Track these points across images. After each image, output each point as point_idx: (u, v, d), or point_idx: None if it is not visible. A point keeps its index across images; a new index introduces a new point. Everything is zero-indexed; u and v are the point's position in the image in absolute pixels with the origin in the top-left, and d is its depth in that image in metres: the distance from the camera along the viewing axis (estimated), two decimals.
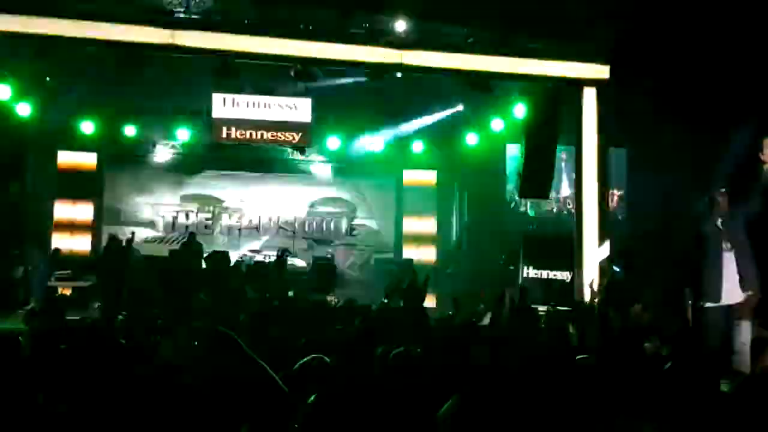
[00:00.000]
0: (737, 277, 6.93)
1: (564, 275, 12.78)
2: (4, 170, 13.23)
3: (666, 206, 12.84)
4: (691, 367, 4.50)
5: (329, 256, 15.73)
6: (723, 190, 7.15)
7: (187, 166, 16.14)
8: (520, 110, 13.07)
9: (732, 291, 6.95)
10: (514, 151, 14.43)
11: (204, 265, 13.65)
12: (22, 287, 12.63)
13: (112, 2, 11.11)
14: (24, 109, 12.43)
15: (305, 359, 3.50)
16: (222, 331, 2.79)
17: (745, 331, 6.89)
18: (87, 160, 15.30)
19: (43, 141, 14.55)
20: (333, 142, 15.30)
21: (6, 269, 12.48)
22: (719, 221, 7.03)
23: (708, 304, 7.10)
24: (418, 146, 15.89)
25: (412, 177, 16.71)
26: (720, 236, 7.03)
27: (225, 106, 14.10)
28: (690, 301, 7.72)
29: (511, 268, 13.65)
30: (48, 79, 13.18)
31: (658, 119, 12.76)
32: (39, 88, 13.16)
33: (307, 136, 14.49)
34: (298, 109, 14.24)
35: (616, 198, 14.90)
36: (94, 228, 15.54)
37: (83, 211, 15.34)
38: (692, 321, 7.49)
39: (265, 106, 14.27)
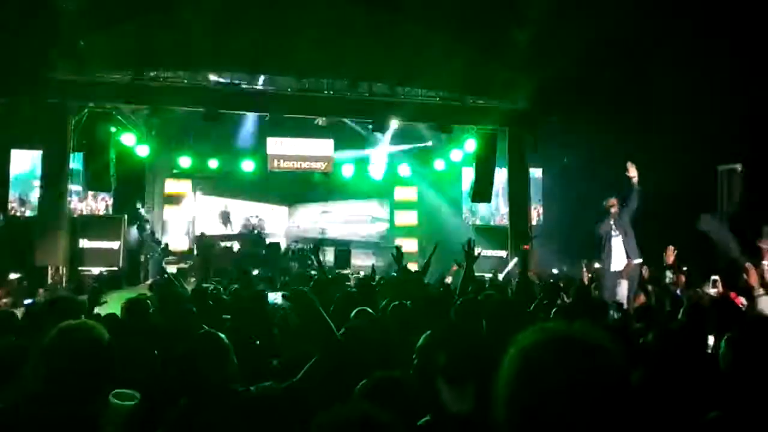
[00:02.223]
0: (622, 253, 7.17)
1: (502, 253, 12.87)
2: (130, 192, 13.21)
3: (569, 209, 12.87)
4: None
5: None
6: (612, 197, 7.37)
7: (248, 186, 16.06)
8: (470, 144, 13.16)
9: (618, 262, 7.19)
10: (467, 172, 14.42)
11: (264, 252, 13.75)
12: (143, 270, 12.65)
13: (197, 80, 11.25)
14: (142, 151, 12.48)
15: None
16: (302, 290, 2.72)
17: (623, 286, 7.09)
18: (183, 184, 15.31)
19: (155, 171, 14.52)
20: (346, 169, 15.30)
21: (134, 258, 12.51)
22: (611, 218, 7.29)
23: (601, 269, 7.38)
24: (405, 170, 15.87)
25: (401, 192, 16.67)
26: (612, 226, 7.27)
27: (275, 145, 14.11)
28: (585, 269, 7.99)
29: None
30: (153, 132, 13.21)
31: (565, 148, 12.91)
32: (151, 136, 13.16)
33: (330, 164, 14.53)
34: (324, 146, 14.26)
35: (537, 213, 14.51)
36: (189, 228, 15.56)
37: (181, 217, 15.37)
38: (586, 280, 7.74)
39: (301, 145, 14.30)
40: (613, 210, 7.26)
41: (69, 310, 2.98)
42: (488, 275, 10.21)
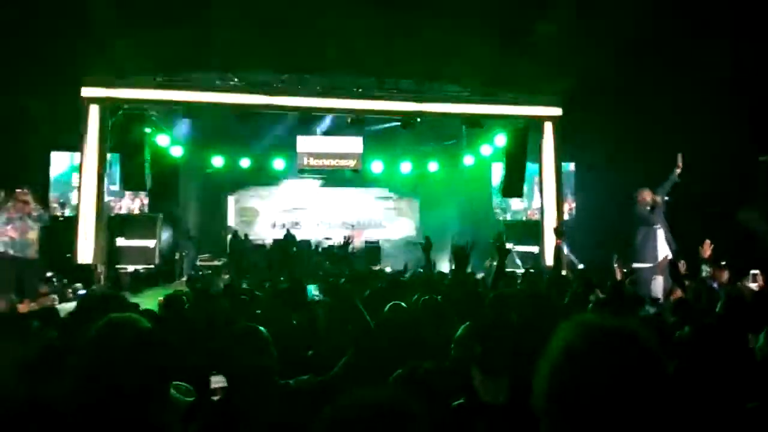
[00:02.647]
0: (665, 246, 7.06)
1: (534, 248, 12.75)
2: (166, 191, 13.46)
3: (601, 203, 12.67)
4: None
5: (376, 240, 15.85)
6: (648, 189, 7.26)
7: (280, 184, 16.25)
8: (500, 139, 13.07)
9: (660, 255, 7.10)
10: (497, 168, 14.30)
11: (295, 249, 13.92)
12: (179, 266, 12.91)
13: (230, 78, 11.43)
14: (176, 151, 12.70)
15: None
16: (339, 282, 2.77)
17: (659, 281, 6.97)
18: (217, 184, 15.56)
19: (189, 171, 14.77)
20: (376, 166, 15.33)
21: (169, 255, 12.78)
22: (648, 208, 7.17)
23: (637, 265, 7.24)
24: (434, 166, 15.82)
25: (430, 188, 16.57)
26: (655, 218, 7.17)
27: (305, 143, 14.24)
28: (616, 265, 7.86)
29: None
30: (189, 131, 13.45)
31: (597, 141, 12.72)
32: (184, 136, 13.43)
33: (359, 162, 14.60)
34: (353, 144, 14.32)
35: (569, 207, 14.25)
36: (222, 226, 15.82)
37: (214, 216, 15.62)
38: (620, 275, 7.61)
39: (331, 143, 14.39)
40: (657, 200, 7.14)
41: (116, 304, 3.11)
42: (520, 270, 10.14)
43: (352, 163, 14.53)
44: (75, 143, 11.47)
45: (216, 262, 13.19)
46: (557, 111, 12.21)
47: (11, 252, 6.38)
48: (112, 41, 10.25)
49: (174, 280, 11.68)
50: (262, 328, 2.38)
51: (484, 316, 3.47)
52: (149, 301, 5.85)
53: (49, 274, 8.36)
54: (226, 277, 12.14)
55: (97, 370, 1.92)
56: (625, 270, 7.90)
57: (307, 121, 12.50)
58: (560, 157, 12.62)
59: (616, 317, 1.18)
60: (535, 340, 1.17)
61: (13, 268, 6.33)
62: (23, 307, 5.42)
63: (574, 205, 14.44)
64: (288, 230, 15.07)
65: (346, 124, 13.02)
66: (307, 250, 14.31)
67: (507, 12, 9.91)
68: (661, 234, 7.14)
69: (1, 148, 10.37)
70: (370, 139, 14.32)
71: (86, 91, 10.84)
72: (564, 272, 9.37)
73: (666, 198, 7.22)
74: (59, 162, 12.60)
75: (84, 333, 2.24)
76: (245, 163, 14.86)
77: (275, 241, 14.77)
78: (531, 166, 12.81)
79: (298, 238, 14.89)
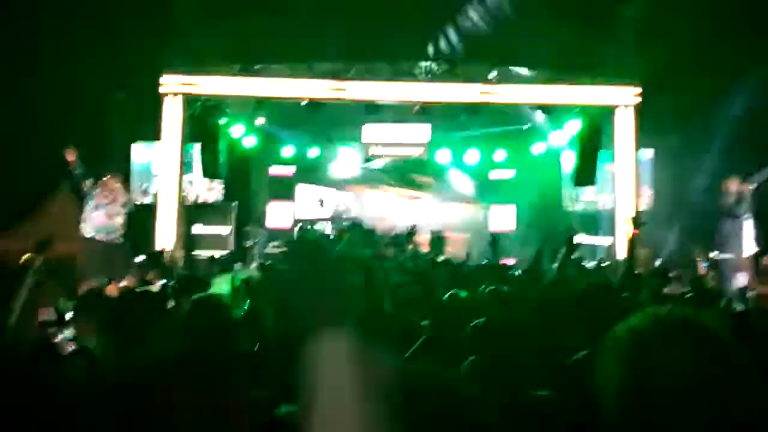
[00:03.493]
0: (752, 239, 6.72)
1: (608, 239, 12.34)
2: (238, 181, 13.93)
3: (681, 193, 12.11)
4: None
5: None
6: (736, 176, 6.89)
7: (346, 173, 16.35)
8: (573, 125, 12.69)
9: (748, 248, 6.76)
10: (568, 156, 13.87)
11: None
12: (250, 253, 13.37)
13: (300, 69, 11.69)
14: (249, 141, 13.10)
15: None
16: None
17: (744, 276, 6.63)
18: (287, 172, 15.90)
19: (260, 160, 15.15)
20: (443, 155, 15.15)
21: (241, 242, 13.27)
22: (744, 199, 6.82)
23: (720, 259, 6.90)
24: (501, 154, 15.52)
25: (497, 177, 16.30)
26: (744, 208, 6.82)
27: (371, 132, 14.30)
28: (698, 258, 7.47)
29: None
30: (259, 123, 13.83)
31: (677, 128, 12.14)
32: (257, 127, 13.82)
33: (426, 151, 14.54)
34: (421, 131, 14.25)
35: (646, 197, 13.60)
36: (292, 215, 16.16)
37: (285, 205, 15.98)
38: (702, 269, 7.26)
39: (397, 131, 14.36)
40: (744, 191, 6.76)
41: (198, 286, 3.35)
42: (592, 263, 9.87)
43: (419, 151, 14.49)
44: (155, 134, 12.10)
45: (285, 249, 13.55)
46: (635, 95, 11.70)
47: (99, 236, 6.85)
48: (189, 33, 10.72)
49: (246, 266, 12.10)
50: None
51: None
52: (225, 286, 6.12)
53: (138, 259, 8.93)
54: None
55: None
56: (706, 264, 7.55)
57: (374, 110, 12.60)
58: (638, 143, 12.11)
59: (693, 309, 1.17)
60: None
61: (102, 252, 6.80)
62: (111, 289, 5.84)
63: (651, 194, 13.83)
64: (354, 219, 15.23)
65: (413, 113, 13.03)
66: (371, 239, 14.44)
67: None
68: (748, 227, 6.76)
69: (86, 138, 11.12)
70: (437, 127, 14.23)
71: (165, 83, 11.38)
72: (639, 266, 9.06)
73: (755, 188, 6.82)
74: (140, 152, 13.29)
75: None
76: (313, 152, 15.08)
77: (340, 230, 14.97)
78: (605, 154, 12.40)
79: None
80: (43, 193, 12.88)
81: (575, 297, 2.73)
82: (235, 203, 13.05)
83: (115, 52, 11.05)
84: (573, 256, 4.96)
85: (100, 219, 6.81)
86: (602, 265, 9.60)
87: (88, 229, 6.77)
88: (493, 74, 11.79)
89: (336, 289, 0.96)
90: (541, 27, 10.29)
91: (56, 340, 2.49)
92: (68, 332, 2.49)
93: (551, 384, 2.03)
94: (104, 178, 6.93)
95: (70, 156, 6.77)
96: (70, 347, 2.41)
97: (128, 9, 10.49)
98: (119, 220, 6.99)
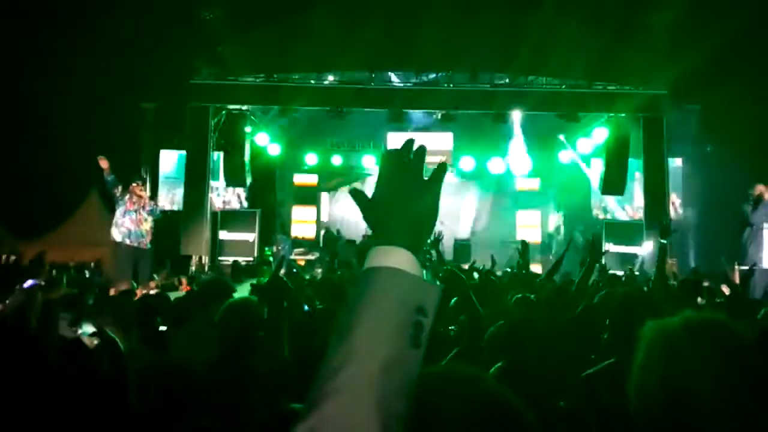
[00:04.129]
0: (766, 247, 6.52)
1: (637, 249, 12.12)
2: (264, 187, 14.10)
3: (711, 202, 11.87)
4: None
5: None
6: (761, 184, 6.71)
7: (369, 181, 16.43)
8: (600, 134, 12.54)
9: (759, 257, 6.55)
10: (596, 164, 13.70)
11: None
12: (275, 260, 13.46)
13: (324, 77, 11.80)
14: (273, 149, 13.25)
15: None
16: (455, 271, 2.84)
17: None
18: (311, 179, 16.03)
19: (285, 168, 15.34)
20: (467, 163, 15.12)
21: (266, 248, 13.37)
22: (750, 206, 6.64)
23: (742, 268, 6.73)
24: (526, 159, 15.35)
25: (523, 185, 16.19)
26: (752, 216, 6.63)
27: (395, 140, 14.32)
28: (729, 268, 7.30)
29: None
30: (283, 131, 13.97)
31: (706, 136, 11.91)
32: (281, 135, 13.96)
33: (450, 159, 14.51)
34: (444, 140, 14.26)
35: (675, 206, 13.40)
36: (316, 222, 16.29)
37: (309, 212, 16.10)
38: (737, 278, 7.07)
39: (421, 139, 14.26)
40: (765, 196, 6.60)
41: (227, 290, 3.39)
42: (621, 272, 9.69)
43: (442, 159, 14.46)
44: (182, 142, 12.32)
45: (310, 257, 13.64)
46: (663, 103, 11.52)
47: (128, 241, 6.98)
48: (215, 44, 10.91)
49: (271, 272, 12.21)
50: None
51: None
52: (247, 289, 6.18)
53: (165, 264, 9.10)
54: (319, 271, 12.56)
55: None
56: (742, 273, 7.35)
57: (397, 117, 12.63)
58: (666, 151, 11.92)
59: (725, 314, 1.16)
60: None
61: (130, 256, 6.93)
62: (139, 292, 5.94)
63: (679, 202, 13.58)
64: None
65: (436, 120, 13.03)
66: None
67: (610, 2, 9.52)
68: (765, 234, 6.59)
69: (118, 146, 11.37)
70: (461, 135, 14.19)
71: (191, 93, 11.59)
72: (669, 275, 8.88)
73: None
74: (168, 159, 13.53)
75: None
76: (337, 160, 15.21)
77: (365, 237, 15.03)
78: (633, 162, 12.23)
79: None
80: (74, 199, 13.21)
81: (610, 305, 2.68)
82: (259, 210, 13.18)
83: (144, 63, 11.32)
84: (599, 264, 4.86)
85: (128, 224, 6.95)
86: (632, 274, 9.43)
87: (117, 234, 6.92)
88: (518, 83, 11.75)
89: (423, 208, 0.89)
90: (569, 36, 10.21)
91: (77, 335, 2.54)
92: (87, 328, 2.53)
93: (575, 392, 2.00)
94: (133, 185, 7.09)
95: (103, 163, 6.94)
96: (94, 342, 2.45)
97: (157, 22, 10.74)
98: (147, 226, 7.13)
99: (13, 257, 10.82)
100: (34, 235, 12.64)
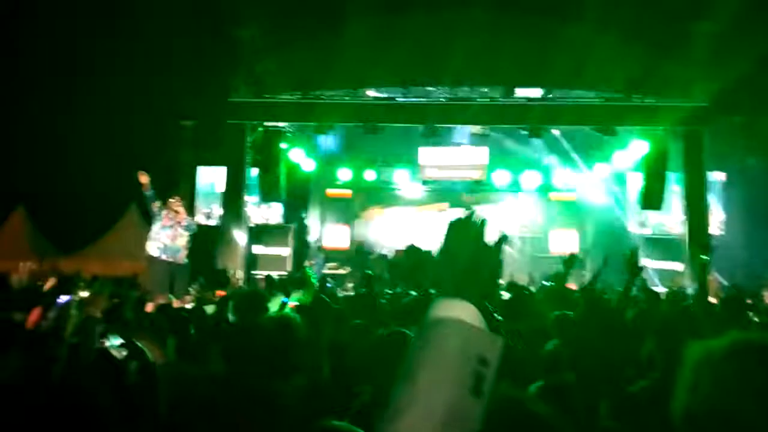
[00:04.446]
0: None
1: (676, 265, 11.78)
2: (297, 203, 14.21)
3: (754, 217, 11.47)
4: None
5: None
6: None
7: (403, 196, 16.37)
8: (638, 147, 12.28)
9: None
10: (633, 178, 13.41)
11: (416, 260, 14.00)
12: (313, 277, 13.54)
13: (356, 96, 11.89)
14: (308, 165, 13.41)
15: None
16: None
17: None
18: (345, 193, 16.06)
19: (319, 183, 15.42)
20: (502, 177, 14.90)
21: (300, 264, 13.46)
22: None
23: None
24: (563, 175, 15.15)
25: (557, 200, 15.92)
26: None
27: (428, 155, 14.32)
28: None
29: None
30: (317, 147, 14.09)
31: (749, 150, 11.57)
32: (315, 152, 14.10)
33: (485, 173, 14.43)
34: (478, 154, 14.19)
35: (717, 221, 12.96)
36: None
37: (342, 229, 16.14)
38: None
39: (454, 154, 14.32)
40: None
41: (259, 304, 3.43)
42: (662, 289, 9.43)
43: (477, 174, 14.39)
44: (219, 158, 12.56)
45: (341, 271, 13.67)
46: (704, 115, 11.24)
47: (164, 256, 7.14)
48: (253, 64, 11.15)
49: (304, 286, 12.27)
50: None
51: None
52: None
53: (200, 278, 9.25)
54: (350, 285, 12.57)
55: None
56: None
57: (431, 132, 12.65)
58: (707, 165, 11.61)
59: None
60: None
61: (167, 270, 7.08)
62: (176, 304, 6.06)
63: (723, 218, 13.16)
64: (411, 242, 15.21)
65: (471, 134, 13.01)
66: (429, 262, 14.36)
67: (654, 13, 9.37)
68: None
69: (157, 162, 11.67)
70: (495, 148, 14.10)
71: (230, 111, 11.85)
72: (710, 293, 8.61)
73: None
74: (205, 175, 13.81)
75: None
76: (370, 175, 15.27)
77: (397, 251, 14.98)
78: (672, 176, 11.95)
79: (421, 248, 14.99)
80: (114, 214, 13.56)
81: (650, 323, 2.61)
82: (293, 225, 13.32)
83: (183, 81, 11.63)
84: (638, 280, 4.74)
85: (164, 239, 7.11)
86: (676, 290, 9.16)
87: (153, 249, 7.08)
88: (552, 96, 11.66)
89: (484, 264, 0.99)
90: (606, 48, 10.09)
91: (106, 346, 2.58)
92: (115, 339, 2.57)
93: (618, 411, 1.95)
94: (170, 200, 7.26)
95: (143, 179, 7.14)
96: (122, 353, 2.49)
97: (194, 41, 11.04)
98: (182, 241, 7.29)
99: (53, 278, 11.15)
100: (74, 248, 13.00)
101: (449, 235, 1.03)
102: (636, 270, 4.73)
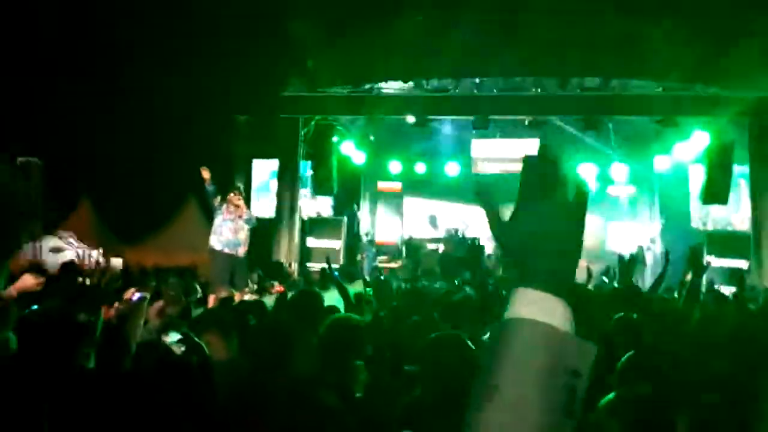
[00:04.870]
0: None
1: (743, 263, 11.26)
2: (348, 194, 14.31)
3: None
4: None
5: None
6: None
7: (454, 189, 16.24)
8: (701, 139, 11.79)
9: None
10: (696, 171, 12.87)
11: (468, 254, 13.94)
12: (360, 267, 13.69)
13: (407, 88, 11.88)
14: (359, 158, 13.55)
15: None
16: None
17: None
18: (395, 186, 16.12)
19: (369, 176, 15.53)
20: None
21: (352, 256, 13.62)
22: None
23: None
24: (620, 170, 14.69)
25: (615, 191, 15.43)
26: None
27: (480, 147, 14.16)
28: None
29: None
30: (371, 138, 14.16)
31: None
32: (366, 144, 14.19)
33: None
34: (531, 146, 13.89)
35: None
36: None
37: (393, 220, 16.24)
38: None
39: (506, 146, 14.10)
40: None
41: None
42: (729, 289, 9.05)
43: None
44: (273, 151, 12.79)
45: (393, 264, 13.76)
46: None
47: (226, 250, 7.35)
48: (305, 58, 11.29)
49: (355, 280, 12.39)
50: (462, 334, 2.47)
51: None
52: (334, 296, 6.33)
53: (259, 270, 9.51)
54: (402, 278, 12.62)
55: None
56: None
57: (483, 124, 12.50)
58: None
59: None
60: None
61: (228, 264, 7.29)
62: (237, 297, 6.25)
63: None
64: (462, 235, 15.15)
65: (524, 125, 12.78)
66: (480, 256, 14.24)
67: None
68: None
69: (212, 156, 11.97)
70: (548, 141, 13.78)
71: (283, 105, 12.05)
72: None
73: None
74: (260, 168, 14.07)
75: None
76: (420, 168, 15.20)
77: (448, 244, 14.93)
78: (739, 169, 11.42)
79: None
80: (173, 206, 14.02)
81: (725, 331, 2.51)
82: (345, 218, 13.47)
83: (237, 75, 11.88)
84: (703, 280, 4.56)
85: (226, 233, 7.32)
86: (741, 291, 8.77)
87: (216, 243, 7.30)
88: (609, 86, 11.31)
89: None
90: (669, 36, 9.69)
91: (167, 343, 2.66)
92: (174, 336, 2.65)
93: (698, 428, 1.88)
94: (230, 195, 7.46)
95: (205, 174, 7.36)
96: (181, 348, 2.57)
97: (247, 36, 11.25)
98: (243, 234, 7.48)
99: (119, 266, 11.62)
100: (134, 239, 13.52)
101: (525, 186, 0.80)
102: (700, 268, 4.57)
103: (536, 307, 0.74)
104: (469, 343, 2.43)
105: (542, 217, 0.79)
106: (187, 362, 2.28)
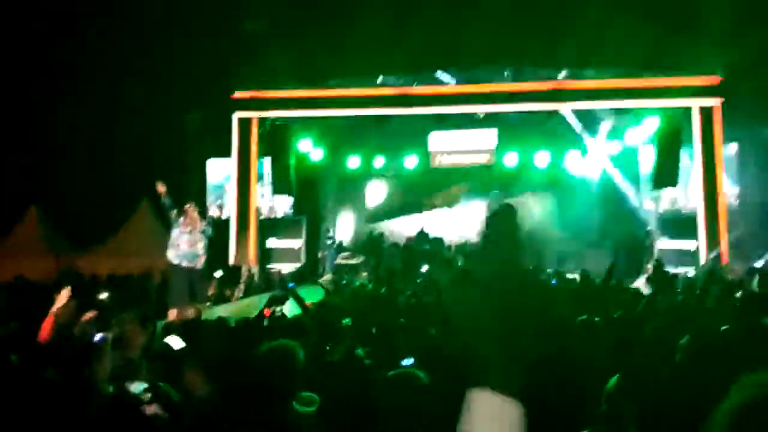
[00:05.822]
0: None
1: (692, 244, 11.63)
2: (306, 191, 14.09)
3: None
4: None
5: None
6: None
7: (413, 183, 16.22)
8: (650, 123, 12.11)
9: None
10: (646, 154, 13.19)
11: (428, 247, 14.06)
12: (321, 265, 13.60)
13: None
14: (317, 155, 13.35)
15: None
16: None
17: None
18: (354, 184, 15.99)
19: (328, 173, 15.24)
20: (510, 159, 14.72)
21: (313, 255, 13.50)
22: None
23: None
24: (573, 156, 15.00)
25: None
26: None
27: (437, 140, 14.15)
28: None
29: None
30: (325, 137, 13.98)
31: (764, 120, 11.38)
32: (323, 141, 14.00)
33: (493, 157, 14.22)
34: (487, 137, 13.98)
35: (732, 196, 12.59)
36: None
37: (350, 216, 16.13)
38: None
39: (463, 138, 14.10)
40: None
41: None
42: (679, 270, 9.36)
43: (485, 158, 14.19)
44: (228, 150, 12.50)
45: (355, 261, 13.68)
46: (718, 89, 11.05)
47: (184, 263, 7.16)
48: (257, 54, 11.04)
49: (318, 278, 12.28)
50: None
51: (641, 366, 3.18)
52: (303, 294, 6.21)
53: (217, 274, 9.30)
54: (364, 275, 12.58)
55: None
56: None
57: (440, 118, 12.54)
58: (721, 139, 11.43)
59: None
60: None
61: (186, 278, 7.11)
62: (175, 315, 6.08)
63: (737, 192, 12.96)
64: (421, 228, 15.15)
65: (479, 118, 12.85)
66: (441, 249, 14.33)
67: None
68: None
69: (164, 158, 11.63)
70: (504, 130, 13.85)
71: (236, 103, 11.78)
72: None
73: None
74: (215, 168, 13.74)
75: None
76: (379, 162, 15.03)
77: (409, 238, 14.96)
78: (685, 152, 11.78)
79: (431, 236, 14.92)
80: (126, 211, 13.60)
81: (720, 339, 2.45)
82: (305, 217, 13.30)
83: (189, 74, 11.55)
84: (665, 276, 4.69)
85: (184, 246, 7.12)
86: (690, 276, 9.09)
87: (174, 256, 7.10)
88: (562, 75, 11.47)
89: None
90: (618, 23, 9.87)
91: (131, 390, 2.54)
92: (139, 385, 2.52)
93: None
94: (187, 207, 7.25)
95: (161, 188, 7.12)
96: (148, 396, 2.47)
97: (199, 33, 10.93)
98: (200, 246, 7.30)
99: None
100: (88, 245, 13.08)
101: (494, 228, 0.89)
102: (662, 280, 4.64)
103: (491, 411, 0.80)
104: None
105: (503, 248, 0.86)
106: (154, 419, 2.19)
